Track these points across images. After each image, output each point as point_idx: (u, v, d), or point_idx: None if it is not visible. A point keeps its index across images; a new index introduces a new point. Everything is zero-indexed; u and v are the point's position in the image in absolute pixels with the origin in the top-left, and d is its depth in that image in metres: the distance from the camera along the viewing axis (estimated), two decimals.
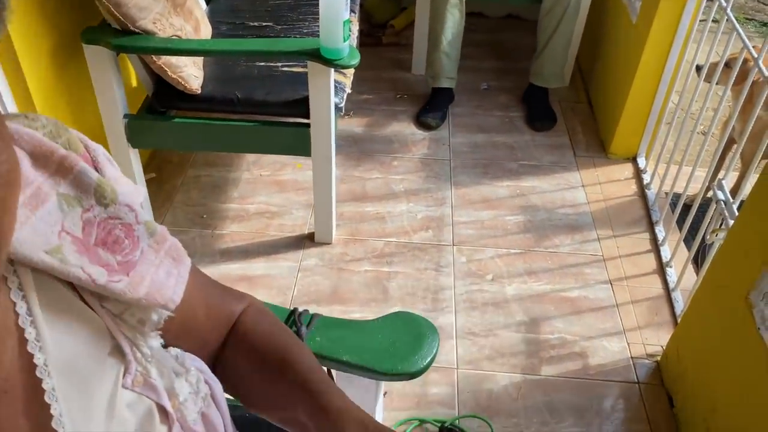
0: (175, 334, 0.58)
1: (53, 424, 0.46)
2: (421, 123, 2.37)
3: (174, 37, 1.59)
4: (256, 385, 0.67)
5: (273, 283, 1.75)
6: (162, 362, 0.54)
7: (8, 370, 0.44)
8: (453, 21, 2.27)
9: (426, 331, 0.87)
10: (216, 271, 1.76)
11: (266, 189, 2.06)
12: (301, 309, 0.89)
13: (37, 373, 0.45)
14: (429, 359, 0.84)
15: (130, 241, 0.51)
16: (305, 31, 1.91)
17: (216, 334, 0.66)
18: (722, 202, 1.51)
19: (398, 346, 0.84)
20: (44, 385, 0.45)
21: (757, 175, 1.28)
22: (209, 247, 1.86)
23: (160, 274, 0.53)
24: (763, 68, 1.45)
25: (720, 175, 1.72)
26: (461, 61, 2.41)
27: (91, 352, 0.49)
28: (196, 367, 0.59)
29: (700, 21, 1.87)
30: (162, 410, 0.53)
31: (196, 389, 0.57)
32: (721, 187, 1.54)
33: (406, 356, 0.84)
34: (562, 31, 2.24)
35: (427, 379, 1.52)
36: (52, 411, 0.45)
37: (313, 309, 1.74)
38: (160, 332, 0.55)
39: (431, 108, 2.39)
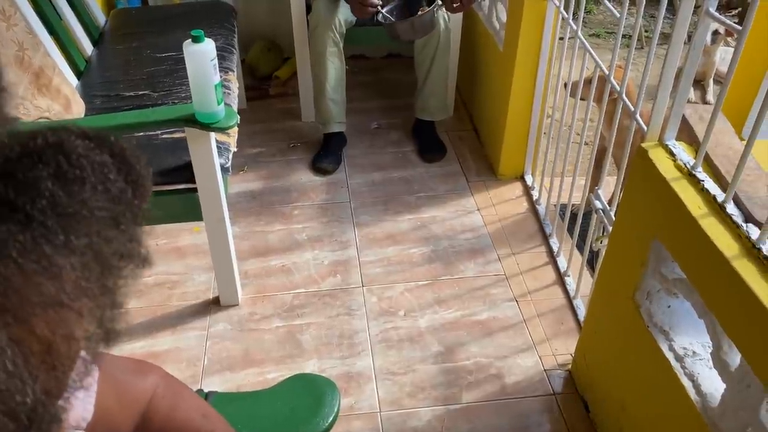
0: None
1: None
2: (317, 169, 2.38)
3: (42, 120, 1.53)
4: None
5: (182, 356, 1.68)
6: None
7: None
8: (334, 68, 2.32)
9: (325, 389, 0.86)
10: (119, 353, 1.67)
11: (164, 258, 1.99)
12: (194, 390, 0.86)
13: None
14: (331, 418, 0.83)
15: None
16: (183, 95, 1.89)
17: (129, 419, 0.67)
18: (600, 211, 1.61)
19: (298, 411, 0.83)
20: None
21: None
22: None
23: None
24: (615, 83, 1.57)
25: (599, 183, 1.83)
26: (349, 104, 2.46)
27: None
28: None
29: (560, 39, 1.99)
30: None
31: None
32: (597, 197, 1.64)
33: (308, 419, 0.83)
34: (437, 67, 2.34)
35: (350, 427, 1.51)
36: None
37: (226, 376, 1.69)
38: None
39: (325, 153, 2.42)
